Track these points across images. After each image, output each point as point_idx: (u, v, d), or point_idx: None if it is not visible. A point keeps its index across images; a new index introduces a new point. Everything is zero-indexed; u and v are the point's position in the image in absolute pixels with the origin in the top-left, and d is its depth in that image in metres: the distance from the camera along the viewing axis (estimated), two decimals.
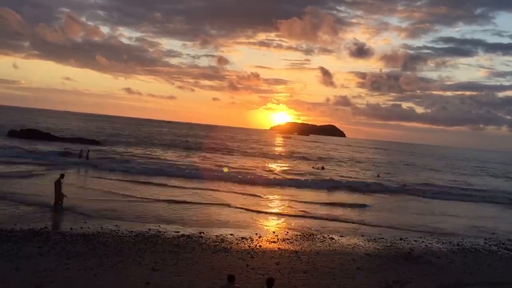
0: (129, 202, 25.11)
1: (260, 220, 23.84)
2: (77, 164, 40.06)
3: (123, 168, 39.62)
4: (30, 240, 15.91)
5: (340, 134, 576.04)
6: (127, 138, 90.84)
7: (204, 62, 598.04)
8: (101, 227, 18.72)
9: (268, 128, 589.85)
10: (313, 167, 59.68)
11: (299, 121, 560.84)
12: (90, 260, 14.21)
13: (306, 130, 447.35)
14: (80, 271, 13.12)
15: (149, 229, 19.01)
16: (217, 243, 17.72)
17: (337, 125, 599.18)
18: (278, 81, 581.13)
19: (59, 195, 22.08)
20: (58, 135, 69.64)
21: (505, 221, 31.61)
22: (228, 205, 27.04)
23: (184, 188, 32.28)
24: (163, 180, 35.24)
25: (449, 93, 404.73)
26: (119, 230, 18.36)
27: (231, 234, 19.46)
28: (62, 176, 22.99)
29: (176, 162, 49.61)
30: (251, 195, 32.15)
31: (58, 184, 22.27)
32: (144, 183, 33.08)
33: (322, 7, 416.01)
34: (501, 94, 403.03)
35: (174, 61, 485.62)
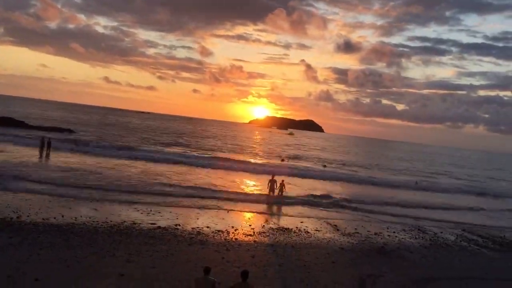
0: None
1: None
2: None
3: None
4: (1, 230, 15.58)
5: (319, 129, 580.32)
6: (98, 128, 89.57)
7: (182, 53, 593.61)
8: (75, 217, 18.46)
9: (247, 121, 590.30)
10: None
11: (278, 115, 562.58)
12: (63, 251, 14.01)
13: (285, 124, 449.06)
14: (53, 263, 12.92)
15: (124, 221, 18.85)
16: (193, 236, 17.68)
17: (316, 120, 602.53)
18: (256, 75, 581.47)
19: None
20: (32, 123, 68.16)
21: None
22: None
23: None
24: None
25: (425, 91, 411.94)
26: (93, 221, 18.14)
27: (207, 227, 19.44)
28: None
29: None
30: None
31: None
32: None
33: (300, 3, 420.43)
34: (476, 93, 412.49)
35: (151, 51, 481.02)
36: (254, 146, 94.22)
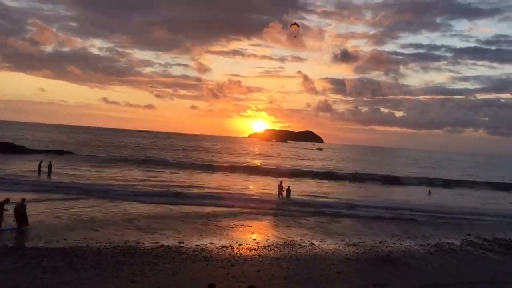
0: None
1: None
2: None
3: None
4: (5, 255, 15.54)
5: (319, 140, 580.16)
6: (100, 149, 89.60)
7: (178, 71, 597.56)
8: (78, 240, 18.40)
9: (247, 135, 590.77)
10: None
11: (277, 128, 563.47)
12: (67, 274, 13.95)
13: (284, 136, 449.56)
14: (56, 286, 12.85)
15: (127, 240, 18.78)
16: (197, 253, 17.60)
17: (315, 131, 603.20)
18: (254, 89, 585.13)
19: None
20: (33, 148, 68.29)
21: None
22: None
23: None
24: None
25: (422, 97, 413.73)
26: (97, 243, 18.08)
27: (211, 243, 19.36)
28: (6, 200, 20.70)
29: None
30: None
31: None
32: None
33: (293, 17, 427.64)
34: (473, 97, 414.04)
35: (147, 70, 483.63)
36: (294, 162, 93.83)
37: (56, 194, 30.23)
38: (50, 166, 39.82)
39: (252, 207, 30.24)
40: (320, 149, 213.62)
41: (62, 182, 35.45)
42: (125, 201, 29.35)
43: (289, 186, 36.06)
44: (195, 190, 37.02)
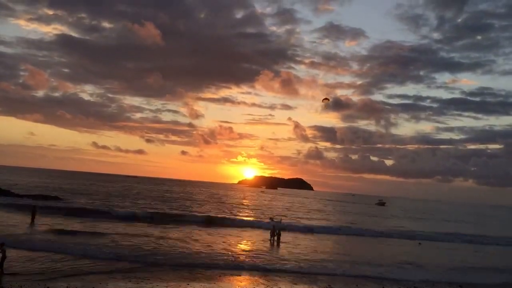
0: None
1: None
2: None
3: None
4: None
5: (308, 187, 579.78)
6: (89, 194, 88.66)
7: (168, 117, 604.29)
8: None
9: (236, 182, 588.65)
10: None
11: (267, 174, 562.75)
12: None
13: (274, 183, 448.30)
14: None
15: None
16: None
17: (305, 177, 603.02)
18: (243, 136, 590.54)
19: None
20: (19, 192, 67.57)
21: None
22: None
23: None
24: None
25: (409, 146, 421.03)
26: None
27: None
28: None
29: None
30: None
31: None
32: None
33: (281, 67, 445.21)
34: (462, 147, 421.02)
35: (137, 116, 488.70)
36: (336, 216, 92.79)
37: None
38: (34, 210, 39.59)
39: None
40: (383, 203, 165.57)
41: None
42: None
43: (279, 230, 38.08)
44: None
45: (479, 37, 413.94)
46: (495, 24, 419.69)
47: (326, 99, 41.78)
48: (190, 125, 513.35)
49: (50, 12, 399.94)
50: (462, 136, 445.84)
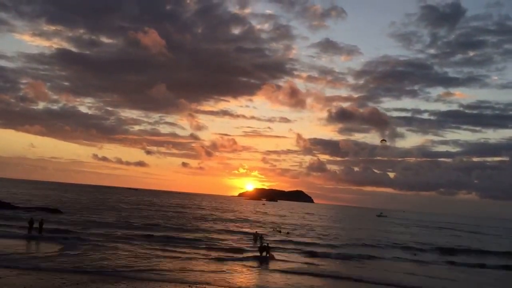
0: None
1: None
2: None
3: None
4: None
5: (308, 199, 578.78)
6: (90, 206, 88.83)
7: (166, 129, 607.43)
8: None
9: (236, 194, 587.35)
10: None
11: (266, 187, 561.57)
12: None
13: (274, 195, 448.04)
14: None
15: None
16: None
17: (305, 190, 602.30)
18: (243, 148, 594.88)
19: None
20: (19, 204, 68.15)
21: None
22: None
23: None
24: None
25: (408, 159, 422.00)
26: None
27: None
28: None
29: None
30: None
31: None
32: None
33: (279, 81, 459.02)
34: (462, 160, 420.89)
35: (136, 128, 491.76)
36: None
37: None
38: (41, 223, 40.18)
39: None
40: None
41: None
42: None
43: (268, 243, 36.45)
44: None
45: (471, 53, 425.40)
46: (487, 40, 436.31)
47: (383, 140, 45.44)
48: (189, 137, 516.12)
49: (51, 28, 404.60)
50: (460, 149, 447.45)
